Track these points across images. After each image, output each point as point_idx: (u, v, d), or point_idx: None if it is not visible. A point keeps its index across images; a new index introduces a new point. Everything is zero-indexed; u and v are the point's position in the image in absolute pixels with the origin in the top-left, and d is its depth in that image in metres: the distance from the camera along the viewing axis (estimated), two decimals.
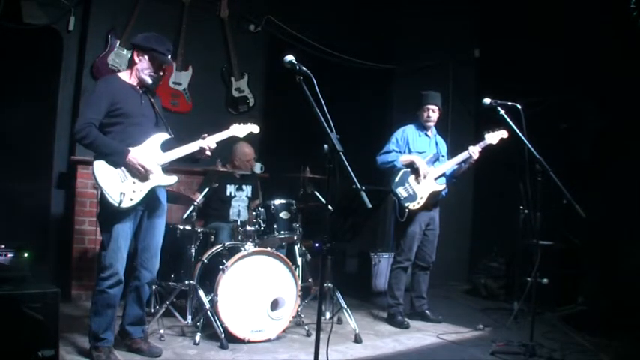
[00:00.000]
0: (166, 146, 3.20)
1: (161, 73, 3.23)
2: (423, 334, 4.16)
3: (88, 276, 4.55)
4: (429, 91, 4.49)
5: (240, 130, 3.49)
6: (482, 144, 4.33)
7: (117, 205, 2.96)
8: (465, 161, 4.36)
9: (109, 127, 3.04)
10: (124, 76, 3.19)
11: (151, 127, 3.19)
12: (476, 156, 4.29)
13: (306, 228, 4.22)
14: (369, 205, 2.33)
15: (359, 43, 6.37)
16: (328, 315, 4.15)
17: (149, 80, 3.18)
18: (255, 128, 3.57)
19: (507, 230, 5.24)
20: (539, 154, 3.47)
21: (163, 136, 3.20)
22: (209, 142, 3.26)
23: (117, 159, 2.99)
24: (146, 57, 3.12)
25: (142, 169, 3.03)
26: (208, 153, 3.28)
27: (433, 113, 4.46)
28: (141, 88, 3.19)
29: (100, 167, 2.99)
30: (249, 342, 3.58)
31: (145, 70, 3.13)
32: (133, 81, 3.17)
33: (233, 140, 4.49)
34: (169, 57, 3.20)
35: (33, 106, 4.53)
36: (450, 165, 4.41)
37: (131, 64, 3.19)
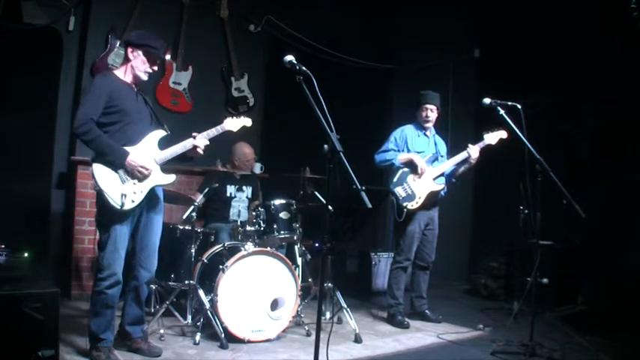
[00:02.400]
0: (163, 144, 3.19)
1: (155, 69, 3.21)
2: (423, 334, 4.15)
3: (87, 276, 4.56)
4: (427, 91, 4.48)
5: (233, 123, 3.45)
6: (481, 144, 4.33)
7: (119, 207, 2.95)
8: (464, 161, 4.36)
9: (107, 126, 3.02)
10: (119, 73, 3.17)
11: (147, 125, 3.18)
12: (475, 155, 4.29)
13: (306, 228, 4.21)
14: (369, 205, 2.33)
15: (359, 43, 6.38)
16: (328, 315, 4.15)
17: (144, 77, 3.17)
18: (247, 121, 3.53)
19: (507, 230, 5.25)
20: (539, 154, 3.47)
21: (160, 133, 3.19)
22: (201, 140, 3.23)
23: (116, 160, 2.98)
24: (140, 52, 3.11)
25: (142, 171, 3.02)
26: (200, 151, 3.25)
27: (432, 113, 4.46)
28: (135, 86, 3.19)
29: (100, 170, 2.97)
30: (249, 342, 3.58)
31: (139, 67, 3.12)
32: (128, 79, 3.16)
33: (233, 140, 4.52)
34: (163, 53, 3.20)
35: (33, 106, 4.53)
36: (448, 165, 4.40)
37: (125, 61, 3.18)
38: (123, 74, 3.17)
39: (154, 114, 3.27)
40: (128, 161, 2.98)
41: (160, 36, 3.21)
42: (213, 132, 3.32)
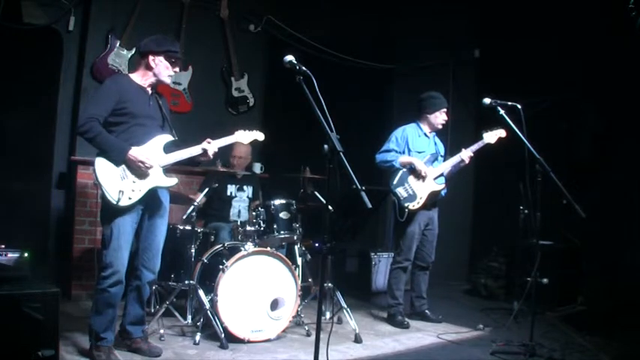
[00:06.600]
0: (169, 148, 3.21)
1: (177, 70, 3.27)
2: (423, 334, 4.15)
3: (88, 276, 4.55)
4: (438, 94, 4.49)
5: (245, 136, 3.51)
6: (480, 143, 4.34)
7: (115, 202, 2.96)
8: (458, 163, 4.37)
9: (114, 125, 3.06)
10: (135, 77, 3.21)
11: (156, 128, 3.20)
12: (467, 161, 4.33)
13: (306, 228, 4.21)
14: (369, 205, 2.33)
15: (359, 43, 6.37)
16: (328, 315, 4.15)
17: (169, 81, 3.24)
18: (259, 135, 3.60)
19: (507, 230, 5.24)
20: (539, 154, 3.47)
21: (166, 138, 3.21)
22: (212, 147, 3.26)
23: (117, 155, 3.00)
24: (162, 58, 3.16)
25: (142, 165, 3.03)
26: (210, 155, 3.28)
27: (446, 116, 4.50)
28: (151, 90, 3.22)
29: (101, 164, 2.99)
30: (249, 342, 3.58)
31: (163, 72, 3.18)
32: (144, 83, 3.19)
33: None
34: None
35: (33, 106, 4.54)
36: (446, 166, 4.41)
37: (143, 67, 3.20)
38: (140, 78, 3.20)
39: (166, 119, 3.28)
40: (129, 156, 3.00)
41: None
42: (223, 142, 3.36)
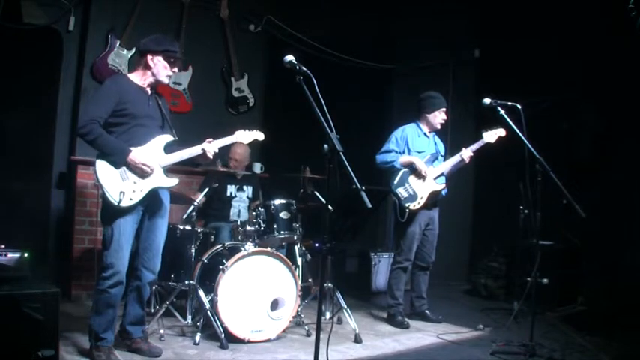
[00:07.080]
0: (170, 148, 3.21)
1: (176, 70, 3.26)
2: (422, 334, 4.15)
3: (88, 276, 4.55)
4: (437, 94, 4.50)
5: (245, 136, 3.51)
6: (480, 143, 4.34)
7: (116, 203, 2.97)
8: (459, 162, 4.38)
9: (114, 126, 3.05)
10: (134, 77, 3.20)
11: (156, 128, 3.20)
12: (467, 161, 4.34)
13: (306, 228, 4.21)
14: (369, 205, 2.33)
15: (359, 43, 6.37)
16: (328, 315, 4.15)
17: (167, 80, 3.23)
18: (259, 135, 3.60)
19: (507, 230, 5.25)
20: (539, 154, 3.47)
21: (167, 138, 3.21)
22: (212, 147, 3.26)
23: (118, 158, 3.00)
24: (160, 58, 3.15)
25: (143, 168, 3.03)
26: (210, 155, 3.29)
27: (445, 115, 4.50)
28: (150, 90, 3.22)
29: (102, 166, 3.00)
30: (249, 342, 3.58)
31: (161, 72, 3.17)
32: (143, 83, 3.19)
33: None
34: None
35: (33, 106, 4.54)
36: (446, 166, 4.41)
37: (143, 67, 3.19)
38: (139, 78, 3.20)
39: (166, 119, 3.28)
40: (130, 158, 3.00)
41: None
42: (223, 142, 3.36)
